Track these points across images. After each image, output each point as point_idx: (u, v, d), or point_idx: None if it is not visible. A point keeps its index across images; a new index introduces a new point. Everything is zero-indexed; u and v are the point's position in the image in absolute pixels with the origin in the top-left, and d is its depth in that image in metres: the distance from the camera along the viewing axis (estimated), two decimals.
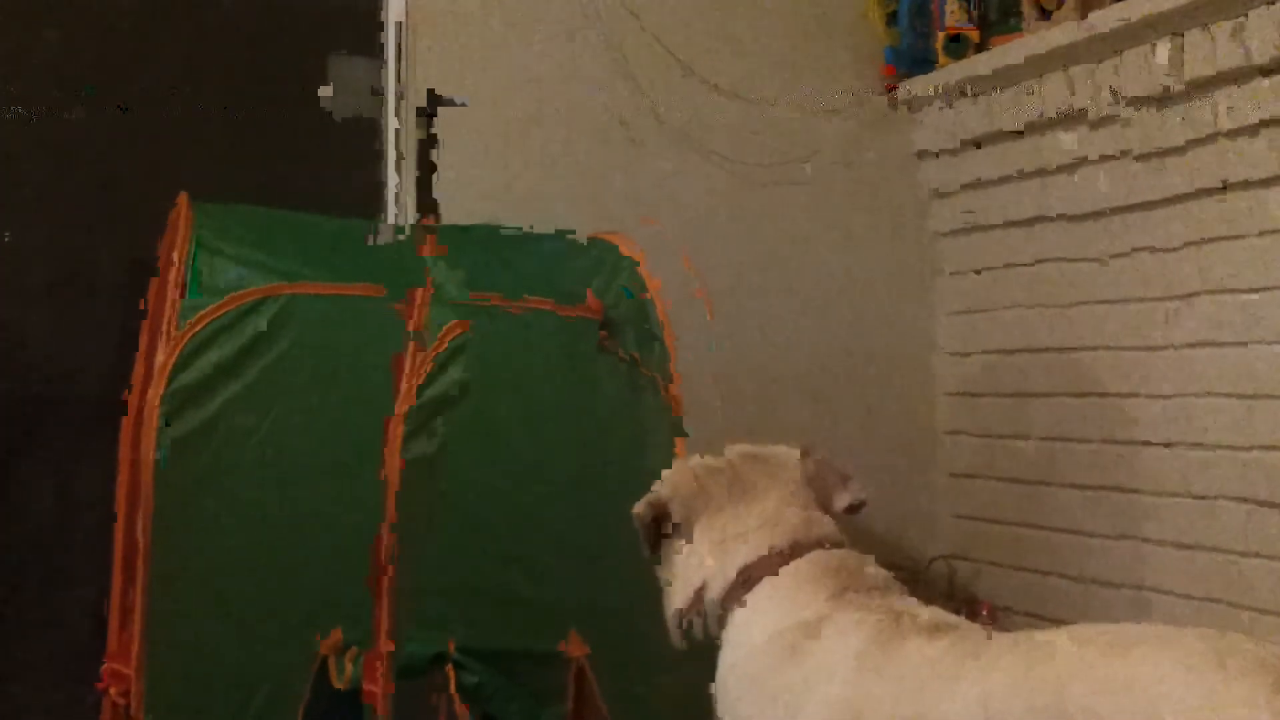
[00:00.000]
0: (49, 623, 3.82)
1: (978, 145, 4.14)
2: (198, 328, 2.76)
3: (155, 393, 2.73)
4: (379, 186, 4.04)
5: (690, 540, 2.47)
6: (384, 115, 4.03)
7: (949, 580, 4.17)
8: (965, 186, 4.24)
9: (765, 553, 2.40)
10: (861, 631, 2.19)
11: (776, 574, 2.37)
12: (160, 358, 2.77)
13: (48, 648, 3.81)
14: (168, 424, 2.73)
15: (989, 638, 2.15)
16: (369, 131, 4.05)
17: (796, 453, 2.57)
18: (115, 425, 3.27)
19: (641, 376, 3.15)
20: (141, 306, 3.25)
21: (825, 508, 2.53)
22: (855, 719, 2.13)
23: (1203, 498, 3.43)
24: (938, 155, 4.33)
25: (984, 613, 3.96)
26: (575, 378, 3.07)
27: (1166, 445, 3.55)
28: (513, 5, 4.05)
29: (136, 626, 2.73)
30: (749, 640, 2.32)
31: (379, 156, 4.04)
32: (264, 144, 4.01)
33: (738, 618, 2.37)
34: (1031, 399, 4.01)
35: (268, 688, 2.76)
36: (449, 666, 2.85)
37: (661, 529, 2.50)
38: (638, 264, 3.27)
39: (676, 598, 2.47)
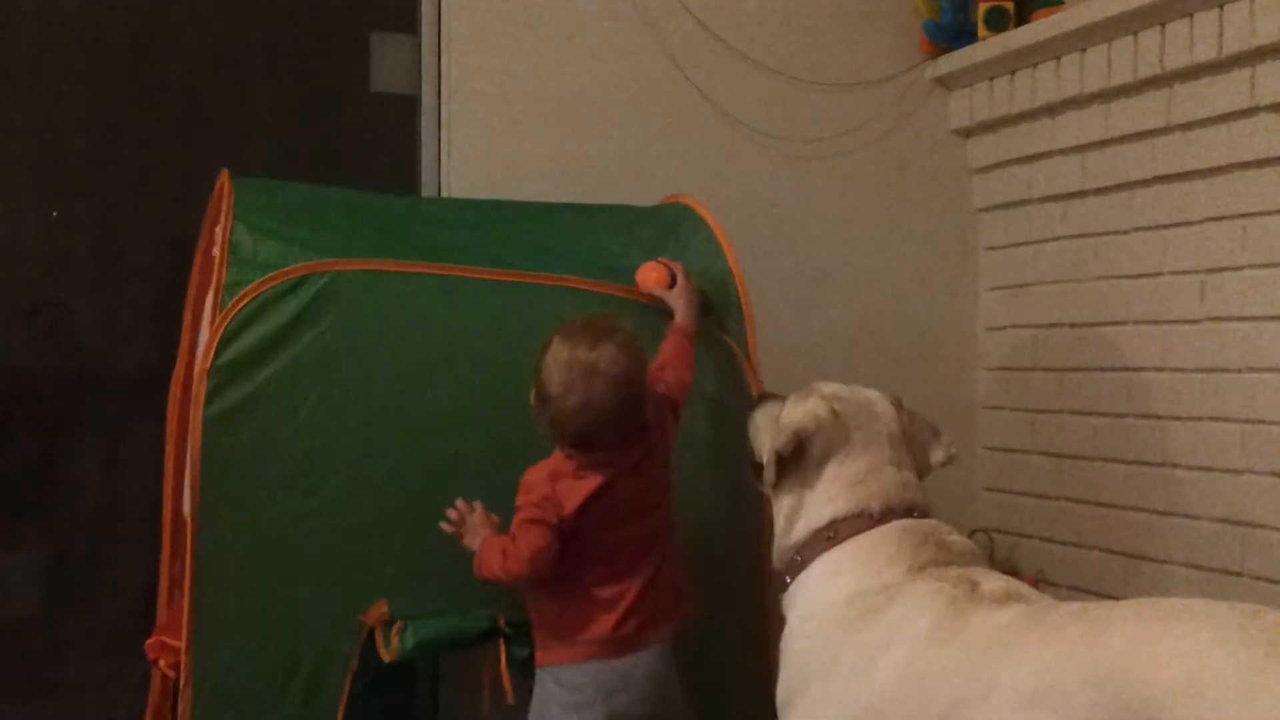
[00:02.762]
0: (99, 596, 3.86)
1: (1018, 120, 4.13)
2: (241, 304, 2.77)
3: (201, 368, 2.75)
4: (415, 162, 4.05)
5: (819, 478, 2.51)
6: (421, 92, 4.04)
7: (989, 553, 4.17)
8: (1006, 162, 4.22)
9: (857, 512, 2.45)
10: (935, 601, 2.25)
11: (864, 535, 2.42)
12: (205, 334, 2.80)
13: (98, 621, 3.85)
14: (211, 400, 2.74)
15: (1056, 607, 2.18)
16: (407, 108, 4.06)
17: (890, 401, 2.60)
18: (161, 401, 3.32)
19: (718, 346, 3.15)
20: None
21: (919, 461, 2.57)
22: (921, 683, 2.18)
23: (1239, 472, 3.43)
24: (978, 130, 4.31)
25: (1026, 584, 3.96)
26: None
27: (1203, 419, 3.54)
28: None
29: (185, 599, 2.74)
30: (826, 598, 2.38)
31: (416, 132, 4.05)
32: (305, 120, 4.04)
33: (817, 572, 2.43)
34: (1070, 373, 4.00)
35: (314, 660, 2.78)
36: (500, 640, 2.88)
37: (788, 462, 2.53)
38: (713, 229, 3.28)
39: (795, 533, 2.51)
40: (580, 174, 4.03)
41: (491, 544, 2.71)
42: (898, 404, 2.67)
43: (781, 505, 2.59)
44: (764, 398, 2.76)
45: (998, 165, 4.27)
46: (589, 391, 2.63)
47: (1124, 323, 3.80)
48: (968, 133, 4.36)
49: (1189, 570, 3.57)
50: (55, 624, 3.87)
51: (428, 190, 4.00)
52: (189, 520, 2.74)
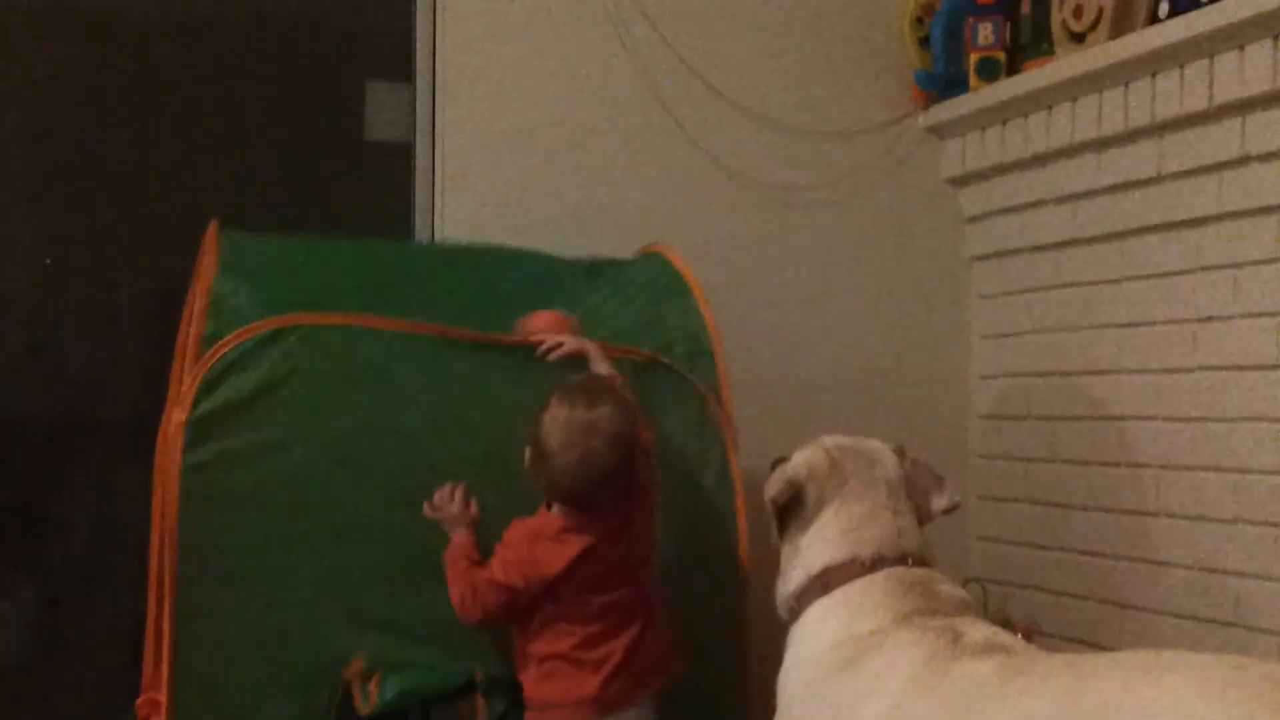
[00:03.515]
0: (88, 643, 3.85)
1: (1010, 169, 4.13)
2: (217, 356, 2.78)
3: (178, 420, 2.76)
4: (408, 209, 4.06)
5: (815, 525, 2.53)
6: (415, 140, 4.06)
7: (983, 603, 4.15)
8: (998, 211, 4.22)
9: (849, 559, 2.45)
10: (916, 652, 2.24)
11: (853, 583, 2.42)
12: (184, 385, 2.80)
13: (85, 672, 3.84)
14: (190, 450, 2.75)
15: (1039, 658, 2.16)
16: (401, 156, 4.08)
17: (892, 450, 2.61)
18: (150, 449, 3.31)
19: (691, 394, 3.15)
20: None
21: (921, 509, 2.60)
22: None
23: (1231, 521, 3.41)
24: (970, 179, 4.32)
25: (1018, 635, 3.93)
26: None
27: (1195, 469, 3.53)
28: (543, 31, 4.07)
29: (165, 653, 2.74)
30: (814, 645, 2.39)
31: (410, 181, 4.06)
32: (299, 168, 4.05)
33: (809, 618, 2.44)
34: (1062, 422, 3.99)
35: (293, 715, 2.77)
36: (478, 695, 2.87)
37: (788, 511, 2.56)
38: (686, 279, 3.29)
39: (793, 581, 2.52)
40: (573, 221, 4.04)
41: (460, 571, 2.78)
42: (900, 452, 2.69)
43: (783, 554, 2.61)
44: (779, 461, 2.76)
45: (990, 214, 4.27)
46: (588, 448, 2.69)
47: (1116, 372, 3.79)
48: (960, 181, 4.36)
49: (1180, 620, 3.55)
50: (44, 670, 3.86)
51: (421, 238, 4.01)
52: (167, 574, 2.73)
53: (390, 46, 4.09)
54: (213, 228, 3.09)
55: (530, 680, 2.80)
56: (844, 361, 4.30)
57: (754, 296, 4.06)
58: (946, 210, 4.40)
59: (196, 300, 2.88)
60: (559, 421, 2.71)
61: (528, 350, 3.03)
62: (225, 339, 2.81)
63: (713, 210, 4.17)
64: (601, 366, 3.03)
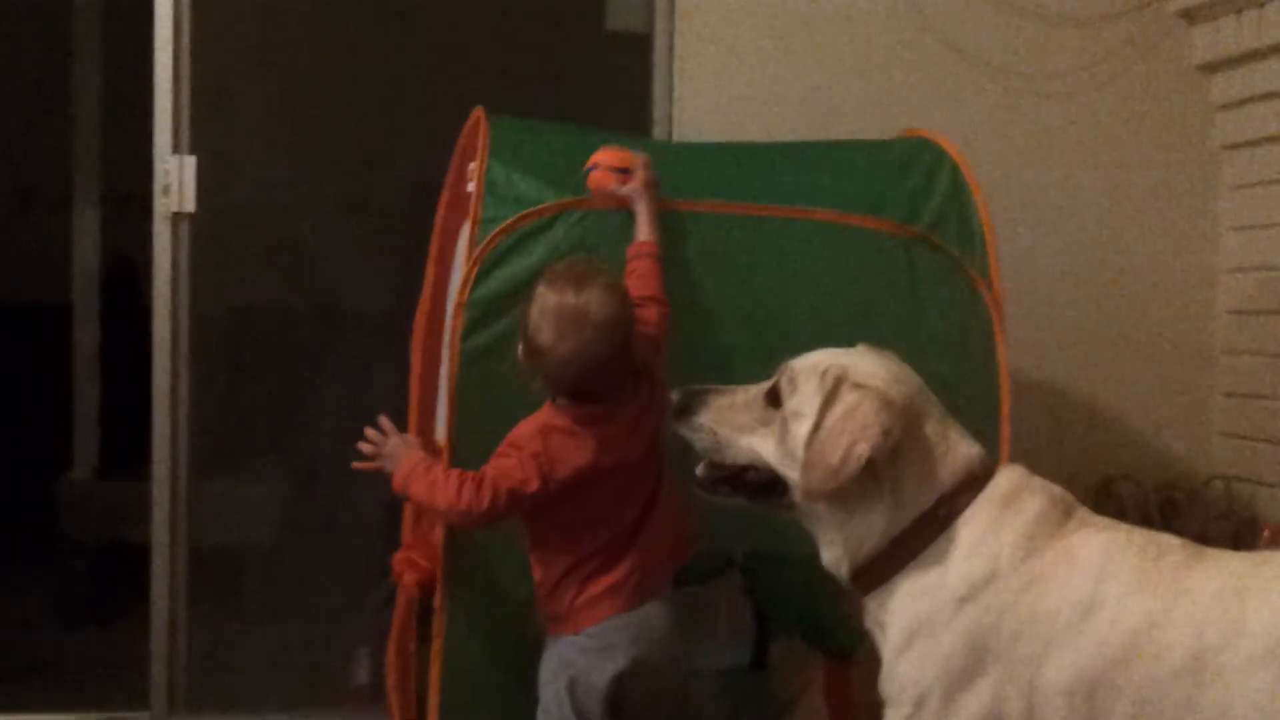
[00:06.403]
0: (341, 525, 4.00)
1: (1268, 54, 3.98)
2: (497, 239, 2.82)
3: (458, 302, 2.81)
4: (647, 97, 4.08)
5: (901, 460, 2.24)
6: (654, 30, 4.07)
7: (1226, 500, 4.08)
8: (1253, 97, 4.08)
9: (962, 480, 2.24)
10: (1126, 554, 2.13)
11: (983, 502, 2.22)
12: (459, 269, 2.85)
13: (339, 553, 4.00)
14: (469, 333, 2.80)
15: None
16: (640, 45, 4.10)
17: (876, 351, 2.39)
18: (400, 335, 3.41)
19: (960, 275, 3.11)
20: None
21: None
22: (1148, 636, 2.06)
23: None
24: (1223, 65, 4.18)
25: (1265, 533, 3.86)
26: (864, 285, 3.04)
27: None
28: None
29: (442, 526, 2.82)
30: (989, 569, 2.17)
31: (649, 69, 4.08)
32: (542, 58, 4.11)
33: (961, 544, 2.21)
34: None
35: None
36: (739, 568, 2.92)
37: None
38: (956, 162, 3.24)
39: (892, 525, 2.25)
40: (810, 110, 4.04)
41: (441, 475, 2.63)
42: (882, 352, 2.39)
43: (844, 506, 2.27)
44: (693, 398, 2.43)
45: (1245, 100, 4.13)
46: (581, 339, 2.55)
47: None
48: (1212, 68, 4.22)
49: None
50: (301, 549, 4.03)
51: (659, 125, 4.03)
52: (445, 447, 2.80)
53: None
54: (478, 114, 3.13)
55: (554, 588, 2.67)
56: (1084, 253, 4.23)
57: (991, 184, 3.97)
58: (1195, 98, 4.27)
59: (469, 185, 2.93)
60: (549, 311, 2.55)
61: (816, 225, 3.00)
62: (506, 222, 2.84)
63: (952, 97, 4.13)
64: (645, 229, 2.85)
